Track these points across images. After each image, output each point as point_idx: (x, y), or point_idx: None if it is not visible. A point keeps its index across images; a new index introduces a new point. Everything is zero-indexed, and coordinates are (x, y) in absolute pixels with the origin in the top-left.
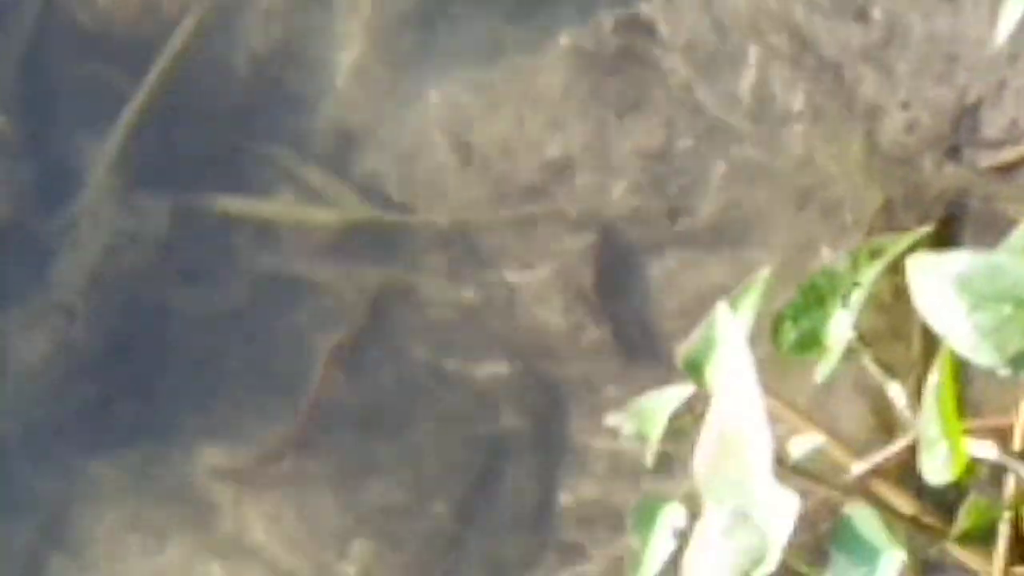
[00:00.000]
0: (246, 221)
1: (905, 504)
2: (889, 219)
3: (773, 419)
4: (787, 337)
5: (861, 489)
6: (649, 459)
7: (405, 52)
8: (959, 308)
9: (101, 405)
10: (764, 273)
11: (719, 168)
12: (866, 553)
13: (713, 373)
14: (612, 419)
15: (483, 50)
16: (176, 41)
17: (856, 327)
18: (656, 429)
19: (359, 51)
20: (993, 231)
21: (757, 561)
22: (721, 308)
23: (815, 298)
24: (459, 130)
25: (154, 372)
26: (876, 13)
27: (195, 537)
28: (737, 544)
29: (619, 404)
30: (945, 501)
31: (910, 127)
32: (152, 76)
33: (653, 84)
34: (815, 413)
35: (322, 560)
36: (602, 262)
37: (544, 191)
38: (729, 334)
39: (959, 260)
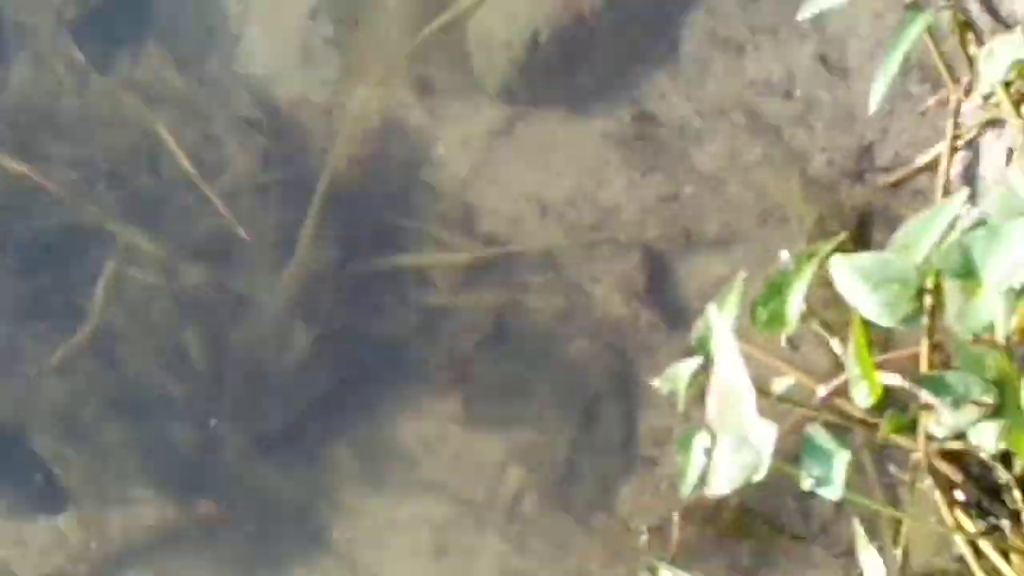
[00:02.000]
0: (409, 270)
1: (856, 411)
2: (822, 228)
3: (763, 369)
4: (760, 317)
5: (824, 406)
6: (680, 405)
7: (491, 148)
8: (864, 289)
9: None
10: (740, 277)
11: (710, 203)
12: (823, 455)
13: (713, 348)
14: (655, 382)
15: (546, 141)
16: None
17: (806, 303)
18: (682, 385)
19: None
20: (892, 229)
21: (754, 470)
22: (711, 307)
23: (775, 290)
24: (537, 192)
25: None
26: (797, 92)
27: None
28: (741, 460)
29: (667, 365)
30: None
31: (829, 164)
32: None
33: (661, 153)
34: (790, 363)
35: None
36: (647, 269)
37: (601, 227)
38: (718, 323)
39: (862, 257)
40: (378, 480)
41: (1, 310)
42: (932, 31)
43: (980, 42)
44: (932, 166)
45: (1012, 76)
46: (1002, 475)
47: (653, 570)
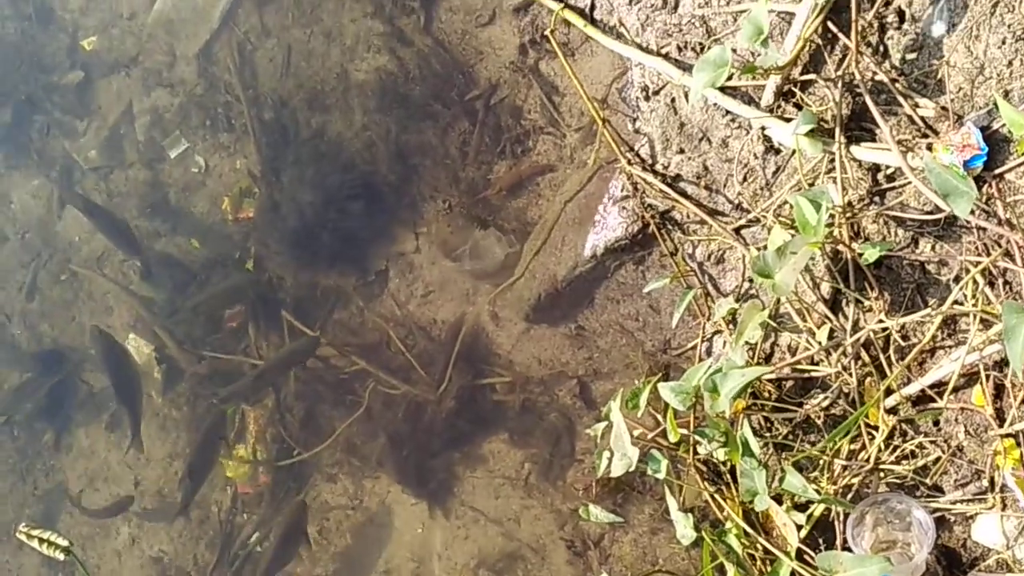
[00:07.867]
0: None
1: (668, 444)
2: (650, 372)
3: (628, 425)
4: (628, 406)
5: (654, 441)
6: (598, 440)
7: (519, 339)
8: (670, 395)
9: None
10: (619, 391)
11: (605, 360)
12: (656, 460)
13: (612, 416)
14: (588, 431)
15: (541, 336)
16: None
17: (646, 400)
18: (599, 432)
19: None
20: (680, 374)
21: (629, 465)
22: (611, 402)
23: (633, 395)
24: (538, 355)
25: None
26: (647, 320)
27: None
28: (623, 461)
29: (591, 424)
30: None
31: (652, 346)
32: None
33: (588, 342)
34: (640, 424)
35: None
36: (579, 385)
37: (563, 368)
38: (613, 407)
39: (670, 384)
40: (478, 466)
41: None
42: (695, 297)
43: (713, 301)
44: (694, 348)
45: (727, 316)
46: (722, 468)
47: (585, 509)
